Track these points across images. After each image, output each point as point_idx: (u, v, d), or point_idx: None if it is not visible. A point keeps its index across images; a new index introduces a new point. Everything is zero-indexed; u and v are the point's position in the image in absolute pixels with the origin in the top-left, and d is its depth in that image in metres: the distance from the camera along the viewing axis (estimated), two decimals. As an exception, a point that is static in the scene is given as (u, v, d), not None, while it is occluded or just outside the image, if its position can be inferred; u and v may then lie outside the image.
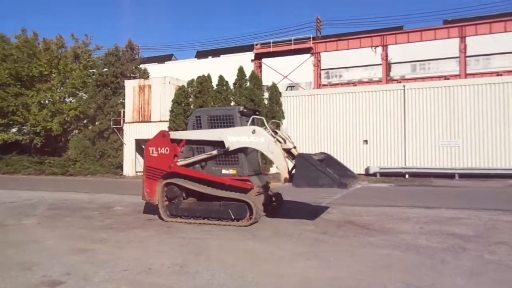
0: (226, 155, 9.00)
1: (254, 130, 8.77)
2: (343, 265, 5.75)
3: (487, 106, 22.35)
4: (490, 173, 21.43)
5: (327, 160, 9.32)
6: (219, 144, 8.99)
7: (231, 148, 8.83)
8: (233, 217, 8.68)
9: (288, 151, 8.94)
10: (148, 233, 8.15)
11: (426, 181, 20.88)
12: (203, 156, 9.19)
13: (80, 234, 8.17)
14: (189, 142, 9.48)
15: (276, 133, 9.07)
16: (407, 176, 22.82)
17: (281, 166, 8.82)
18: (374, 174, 23.61)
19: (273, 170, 25.03)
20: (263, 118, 9.61)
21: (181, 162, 9.26)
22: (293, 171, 8.65)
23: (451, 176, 21.93)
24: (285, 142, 9.05)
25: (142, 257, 6.24)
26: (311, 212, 10.55)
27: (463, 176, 21.70)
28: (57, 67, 32.35)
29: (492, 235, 7.58)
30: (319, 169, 8.23)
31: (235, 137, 8.84)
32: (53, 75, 32.87)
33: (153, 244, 7.23)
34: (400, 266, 5.66)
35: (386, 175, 23.25)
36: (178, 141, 9.70)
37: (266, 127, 9.00)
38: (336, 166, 9.34)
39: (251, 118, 9.20)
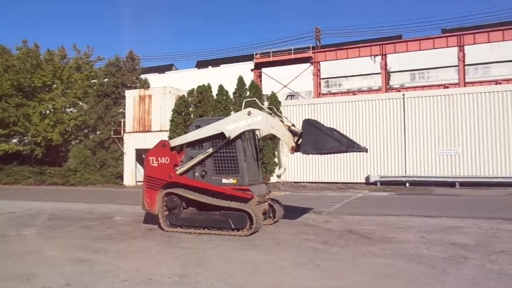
0: (227, 145, 8.94)
1: (249, 112, 8.86)
2: (344, 275, 5.72)
3: (487, 114, 22.39)
4: (491, 182, 21.39)
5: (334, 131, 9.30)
6: (220, 137, 8.98)
7: (232, 136, 8.82)
8: (233, 227, 8.64)
9: (287, 129, 8.99)
10: (148, 243, 8.12)
11: (427, 189, 20.83)
12: (200, 157, 9.13)
13: (79, 244, 8.14)
14: (188, 147, 9.45)
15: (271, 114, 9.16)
16: (407, 184, 22.77)
17: (285, 136, 8.84)
18: (375, 183, 23.57)
19: (273, 179, 25.04)
20: (255, 99, 9.63)
21: (180, 169, 9.25)
22: (300, 141, 8.65)
23: (451, 184, 21.89)
24: (282, 122, 9.12)
25: (142, 268, 6.21)
26: (312, 221, 10.53)
27: (463, 184, 21.65)
28: (61, 77, 32.55)
29: (493, 244, 7.54)
30: (326, 133, 8.21)
31: (233, 124, 8.89)
32: (55, 85, 33.05)
33: (153, 254, 7.20)
34: (401, 276, 5.63)
35: (387, 183, 23.21)
36: (178, 150, 9.71)
37: (261, 107, 9.05)
38: (343, 135, 9.33)
39: (244, 102, 9.23)
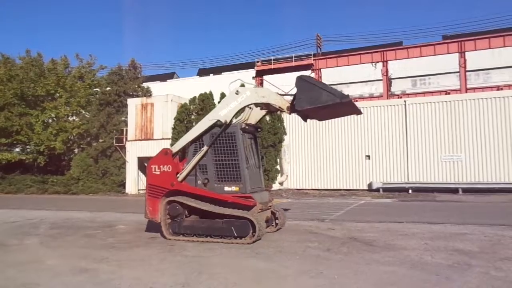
0: (224, 132, 8.98)
1: (237, 91, 9.06)
2: (348, 283, 5.67)
3: (489, 120, 22.40)
4: (494, 188, 21.32)
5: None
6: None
7: (228, 120, 8.91)
8: (236, 235, 8.60)
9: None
10: (150, 252, 8.09)
11: (430, 196, 20.74)
12: (197, 157, 9.14)
13: (81, 253, 8.11)
14: (191, 147, 9.47)
15: None
16: (410, 191, 22.70)
17: (277, 100, 8.96)
18: (377, 190, 23.51)
19: (276, 186, 24.99)
20: (240, 79, 9.73)
21: (181, 175, 9.24)
22: (294, 101, 8.62)
23: (454, 191, 21.81)
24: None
25: (144, 276, 6.18)
26: (315, 228, 10.48)
27: (466, 190, 21.58)
28: (64, 86, 32.76)
29: (497, 251, 7.49)
30: (320, 86, 8.27)
31: (226, 108, 9.00)
32: (58, 94, 33.25)
33: (155, 263, 7.17)
34: (405, 284, 5.58)
35: (389, 190, 23.15)
36: (180, 158, 9.71)
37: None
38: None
39: (231, 84, 9.30)
